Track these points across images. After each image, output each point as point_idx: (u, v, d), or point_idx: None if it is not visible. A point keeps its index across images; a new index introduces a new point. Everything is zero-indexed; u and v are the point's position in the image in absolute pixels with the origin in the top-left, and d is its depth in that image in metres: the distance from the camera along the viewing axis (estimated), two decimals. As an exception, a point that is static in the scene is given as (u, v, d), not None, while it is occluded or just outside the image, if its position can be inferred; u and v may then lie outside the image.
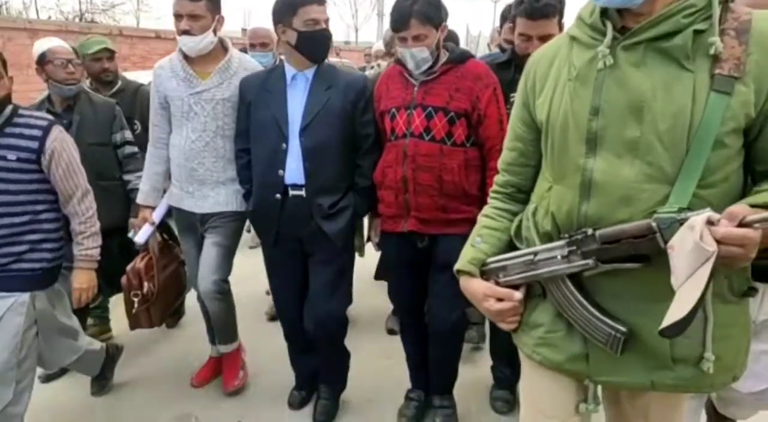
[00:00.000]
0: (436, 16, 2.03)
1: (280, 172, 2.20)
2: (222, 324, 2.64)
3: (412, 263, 2.29)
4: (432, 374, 2.47)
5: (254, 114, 2.25)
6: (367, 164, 2.26)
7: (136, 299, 2.55)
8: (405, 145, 2.12)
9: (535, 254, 1.21)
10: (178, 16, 2.32)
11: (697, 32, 1.04)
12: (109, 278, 2.58)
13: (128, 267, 2.57)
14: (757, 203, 0.98)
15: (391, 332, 3.26)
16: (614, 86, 1.10)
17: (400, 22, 2.03)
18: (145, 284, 2.55)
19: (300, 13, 2.10)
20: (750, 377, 1.54)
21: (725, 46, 1.03)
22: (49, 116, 2.16)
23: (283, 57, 2.30)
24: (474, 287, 1.31)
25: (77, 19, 23.41)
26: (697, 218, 0.95)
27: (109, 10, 25.65)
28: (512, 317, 1.28)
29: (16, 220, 2.03)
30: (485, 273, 1.32)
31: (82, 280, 2.20)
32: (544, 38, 2.01)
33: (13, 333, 1.99)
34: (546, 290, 1.23)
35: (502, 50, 2.62)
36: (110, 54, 3.09)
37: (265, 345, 3.05)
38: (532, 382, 1.35)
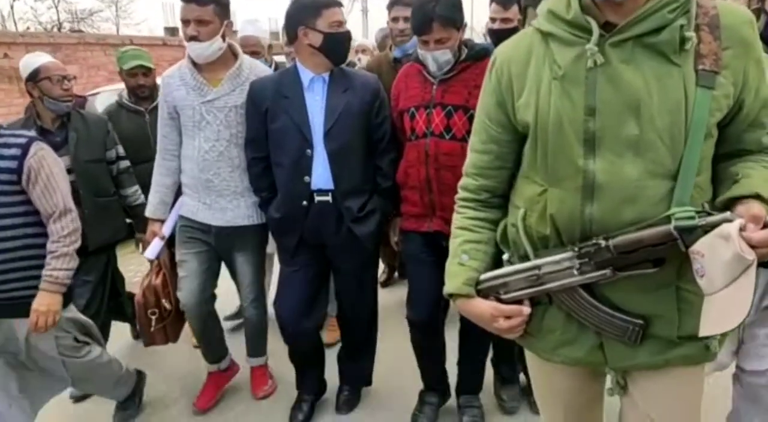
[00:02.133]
0: (458, 18, 2.02)
1: (306, 178, 2.18)
2: (256, 334, 2.69)
3: (436, 263, 2.25)
4: (463, 374, 2.45)
5: (273, 121, 2.20)
6: (386, 164, 2.26)
7: (153, 318, 2.50)
8: (426, 144, 2.10)
9: (539, 268, 1.19)
10: (185, 22, 2.26)
11: (681, 26, 1.06)
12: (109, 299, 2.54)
13: (144, 284, 2.51)
14: (745, 193, 1.04)
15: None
16: (608, 85, 1.09)
17: (422, 26, 2.00)
18: (163, 301, 2.50)
19: (325, 14, 2.11)
20: (756, 358, 1.69)
21: (703, 42, 1.06)
22: (29, 134, 2.10)
23: (296, 60, 2.25)
24: (478, 308, 1.27)
25: (56, 29, 23.15)
26: (730, 228, 0.96)
27: (87, 18, 25.42)
28: (519, 328, 1.27)
29: (9, 245, 1.96)
30: (482, 291, 1.28)
31: (42, 302, 1.99)
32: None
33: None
34: (552, 298, 1.22)
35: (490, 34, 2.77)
36: (146, 70, 3.04)
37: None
38: (551, 381, 1.37)
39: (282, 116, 2.18)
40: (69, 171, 2.41)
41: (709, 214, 1.04)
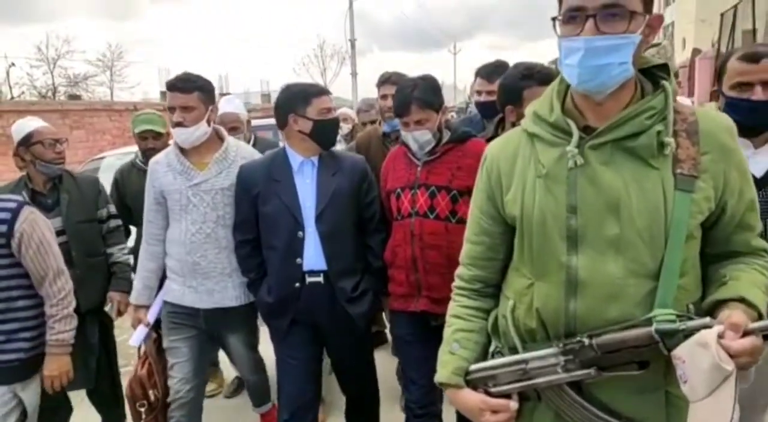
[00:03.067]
0: (435, 101, 2.11)
1: (299, 260, 2.19)
2: (259, 390, 2.81)
3: (424, 343, 2.22)
4: None
5: (264, 204, 2.22)
6: (376, 244, 2.29)
7: (143, 410, 2.45)
8: (411, 224, 2.14)
9: (526, 362, 1.19)
10: (171, 109, 2.31)
11: (658, 132, 1.10)
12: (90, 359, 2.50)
13: (130, 376, 2.47)
14: (731, 297, 1.06)
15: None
16: (588, 185, 1.13)
17: (401, 108, 2.11)
18: (150, 392, 2.45)
19: (314, 103, 2.19)
20: None
21: (681, 147, 1.10)
22: (18, 198, 2.13)
23: (284, 144, 2.30)
24: (466, 400, 1.27)
25: (51, 94, 23.55)
26: (708, 335, 0.95)
27: (82, 82, 25.96)
28: None
29: None
30: (471, 382, 1.28)
31: (53, 367, 2.08)
32: None
33: None
34: (541, 395, 1.21)
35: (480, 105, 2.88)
36: (155, 134, 3.09)
37: None
38: None
39: (273, 199, 2.21)
40: (61, 232, 2.43)
41: (690, 318, 1.04)
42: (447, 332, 1.36)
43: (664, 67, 1.18)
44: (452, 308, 1.39)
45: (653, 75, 1.18)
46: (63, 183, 2.60)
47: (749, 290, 1.05)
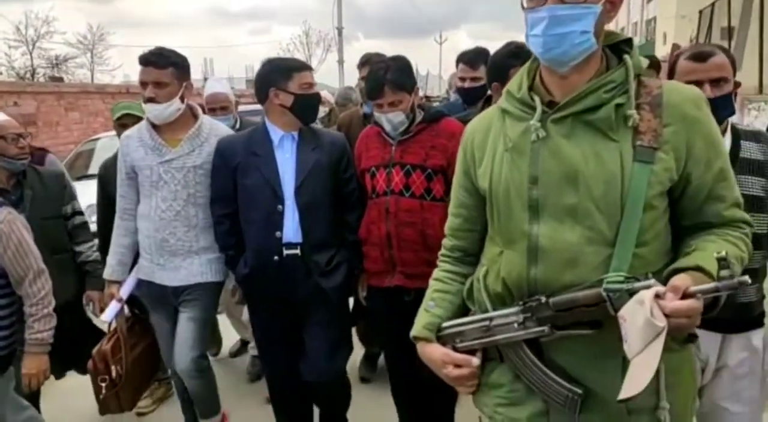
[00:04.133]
0: (408, 82, 2.14)
1: (278, 233, 2.19)
2: (203, 399, 2.52)
3: (401, 317, 2.24)
4: None
5: (243, 178, 2.22)
6: (353, 219, 2.30)
7: (103, 384, 2.42)
8: (386, 202, 2.17)
9: (491, 319, 1.24)
10: (143, 84, 2.27)
11: (618, 105, 1.13)
12: (63, 355, 2.43)
13: (94, 350, 2.44)
14: (688, 265, 1.07)
15: (363, 380, 3.24)
16: (549, 157, 1.17)
17: (375, 90, 2.13)
18: (112, 367, 2.42)
19: (295, 77, 2.20)
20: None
21: (642, 120, 1.13)
22: None
23: (265, 118, 2.29)
24: (432, 353, 1.34)
25: (29, 75, 23.08)
26: (646, 293, 1.00)
27: (62, 64, 25.46)
28: (470, 381, 1.30)
29: None
30: (441, 338, 1.34)
31: (32, 365, 2.07)
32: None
33: None
34: (503, 354, 1.26)
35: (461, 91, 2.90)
36: (134, 120, 2.94)
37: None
38: None
39: (253, 173, 2.20)
40: None
41: (638, 280, 1.07)
42: (427, 293, 1.43)
43: (629, 42, 1.20)
44: (435, 273, 1.46)
45: (620, 51, 1.20)
46: (27, 179, 2.54)
47: (708, 259, 1.06)
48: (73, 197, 2.71)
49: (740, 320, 1.69)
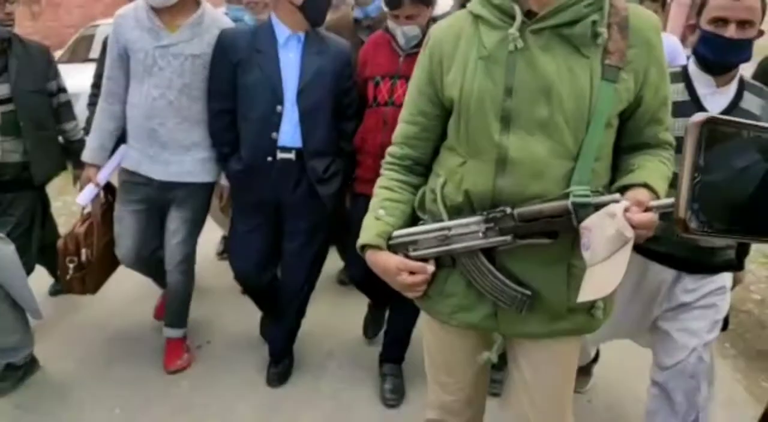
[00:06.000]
0: None
1: (274, 134, 2.16)
2: (178, 302, 2.55)
3: None
4: (387, 343, 2.54)
5: (244, 74, 2.16)
6: (350, 129, 2.30)
7: (71, 266, 2.39)
8: (385, 113, 2.18)
9: (449, 229, 1.26)
10: None
11: (593, 23, 1.16)
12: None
13: (68, 231, 2.38)
14: (637, 182, 1.17)
15: (341, 282, 3.35)
16: (525, 68, 1.17)
17: (394, 1, 2.08)
18: (83, 251, 2.38)
19: None
20: (665, 354, 1.82)
21: (612, 39, 1.17)
22: None
23: (273, 15, 2.22)
24: (384, 261, 1.32)
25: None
26: (617, 207, 1.09)
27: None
28: (421, 287, 1.32)
29: None
30: (392, 246, 1.33)
31: None
32: None
33: None
34: (456, 261, 1.29)
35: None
36: None
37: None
38: (441, 341, 1.44)
39: (255, 69, 2.15)
40: (7, 100, 2.26)
41: (602, 194, 1.17)
42: (374, 201, 1.39)
43: None
44: (380, 181, 1.42)
45: None
46: (12, 48, 2.38)
47: (653, 177, 1.17)
48: (58, 73, 2.57)
49: (698, 263, 1.75)
